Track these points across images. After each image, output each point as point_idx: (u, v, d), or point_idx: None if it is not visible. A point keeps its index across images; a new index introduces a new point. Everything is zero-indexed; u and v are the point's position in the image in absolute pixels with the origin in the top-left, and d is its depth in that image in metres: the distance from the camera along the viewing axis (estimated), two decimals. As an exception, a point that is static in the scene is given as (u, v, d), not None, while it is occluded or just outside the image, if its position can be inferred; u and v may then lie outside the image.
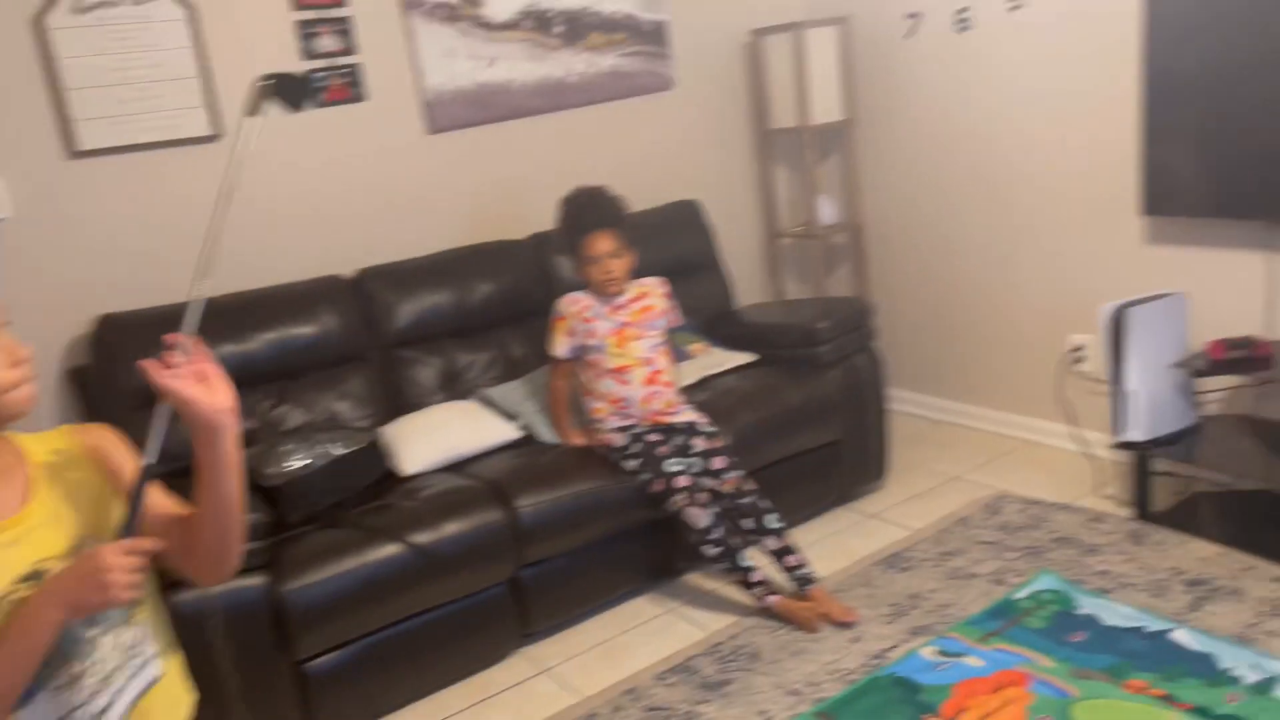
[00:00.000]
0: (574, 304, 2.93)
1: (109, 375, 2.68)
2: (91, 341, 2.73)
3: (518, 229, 3.46)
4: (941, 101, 3.67)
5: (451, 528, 2.53)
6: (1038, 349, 3.58)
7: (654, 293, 2.99)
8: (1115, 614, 2.50)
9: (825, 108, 3.82)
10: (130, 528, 1.14)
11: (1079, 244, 3.37)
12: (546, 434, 3.01)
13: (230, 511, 1.25)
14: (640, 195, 3.55)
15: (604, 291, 2.90)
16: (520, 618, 2.71)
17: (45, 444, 1.24)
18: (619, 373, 2.87)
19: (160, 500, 1.30)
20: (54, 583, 1.10)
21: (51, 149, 2.72)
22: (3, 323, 1.13)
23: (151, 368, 1.16)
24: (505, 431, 2.98)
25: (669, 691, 2.47)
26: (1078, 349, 3.44)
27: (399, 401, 3.08)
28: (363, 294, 3.11)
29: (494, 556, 2.60)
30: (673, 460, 2.77)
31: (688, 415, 2.93)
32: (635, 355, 2.88)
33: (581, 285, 2.98)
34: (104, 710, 1.20)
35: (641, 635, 2.76)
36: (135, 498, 1.15)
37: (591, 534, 2.76)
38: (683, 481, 2.73)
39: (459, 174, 3.43)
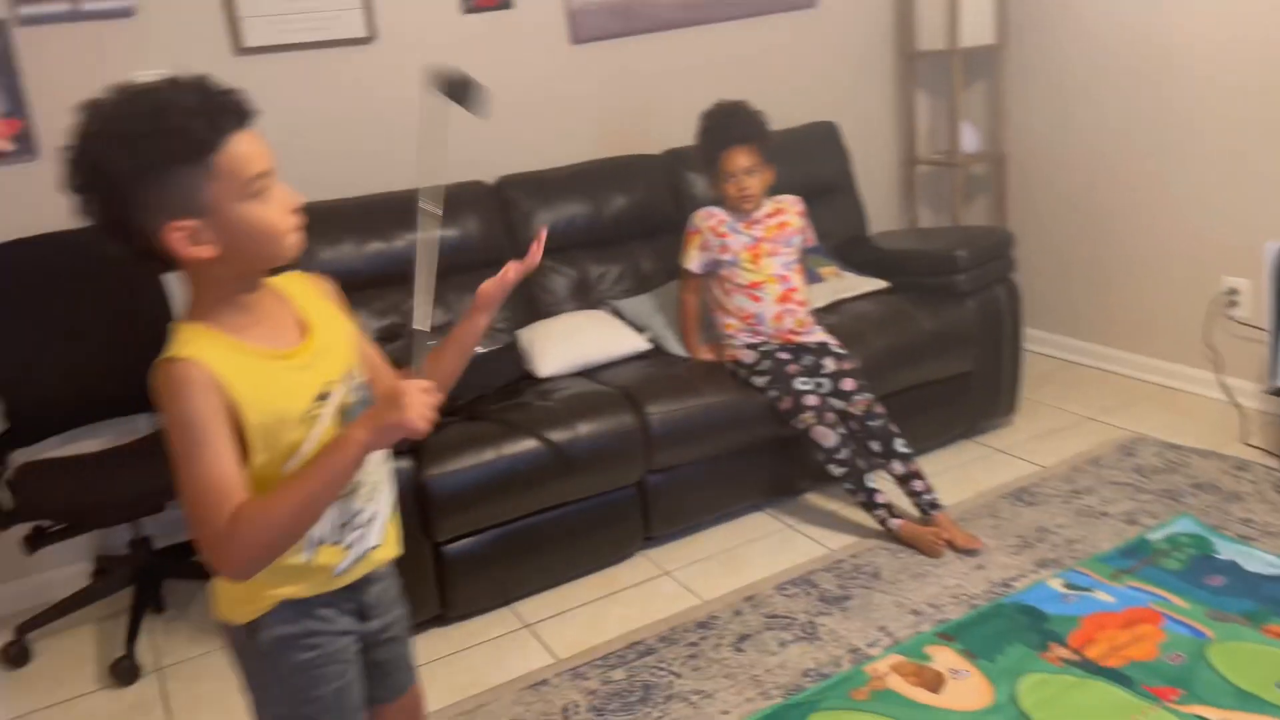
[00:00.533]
0: (708, 218, 2.92)
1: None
2: (252, 232, 2.86)
3: (652, 143, 3.46)
4: (1100, 23, 3.48)
5: (585, 428, 2.60)
6: (1186, 292, 3.42)
7: (790, 210, 2.96)
8: (1258, 561, 2.42)
9: (976, 29, 3.68)
10: (422, 372, 1.23)
11: (1243, 180, 3.18)
12: (675, 347, 3.04)
13: (450, 382, 1.40)
14: (777, 114, 3.47)
15: (739, 208, 2.89)
16: (644, 521, 2.78)
17: (297, 285, 1.34)
18: (752, 289, 2.87)
19: (380, 360, 1.45)
20: (368, 411, 1.20)
21: (221, 45, 2.84)
22: (274, 173, 1.21)
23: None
24: (635, 342, 3.03)
25: (789, 601, 2.51)
26: (1231, 292, 3.28)
27: (534, 307, 3.15)
28: (502, 200, 3.17)
29: (623, 459, 2.66)
30: (802, 379, 2.78)
31: (819, 335, 2.92)
32: (769, 272, 2.87)
33: (715, 200, 2.97)
34: (371, 518, 1.34)
35: (761, 548, 2.80)
36: (418, 349, 1.24)
37: (717, 446, 2.80)
38: (812, 400, 2.74)
39: (599, 86, 3.45)
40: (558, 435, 2.57)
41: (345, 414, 1.28)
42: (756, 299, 2.87)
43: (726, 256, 2.88)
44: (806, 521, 2.91)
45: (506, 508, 2.54)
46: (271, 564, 1.20)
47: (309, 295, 1.34)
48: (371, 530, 1.34)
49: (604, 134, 3.45)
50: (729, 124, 2.86)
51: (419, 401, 1.15)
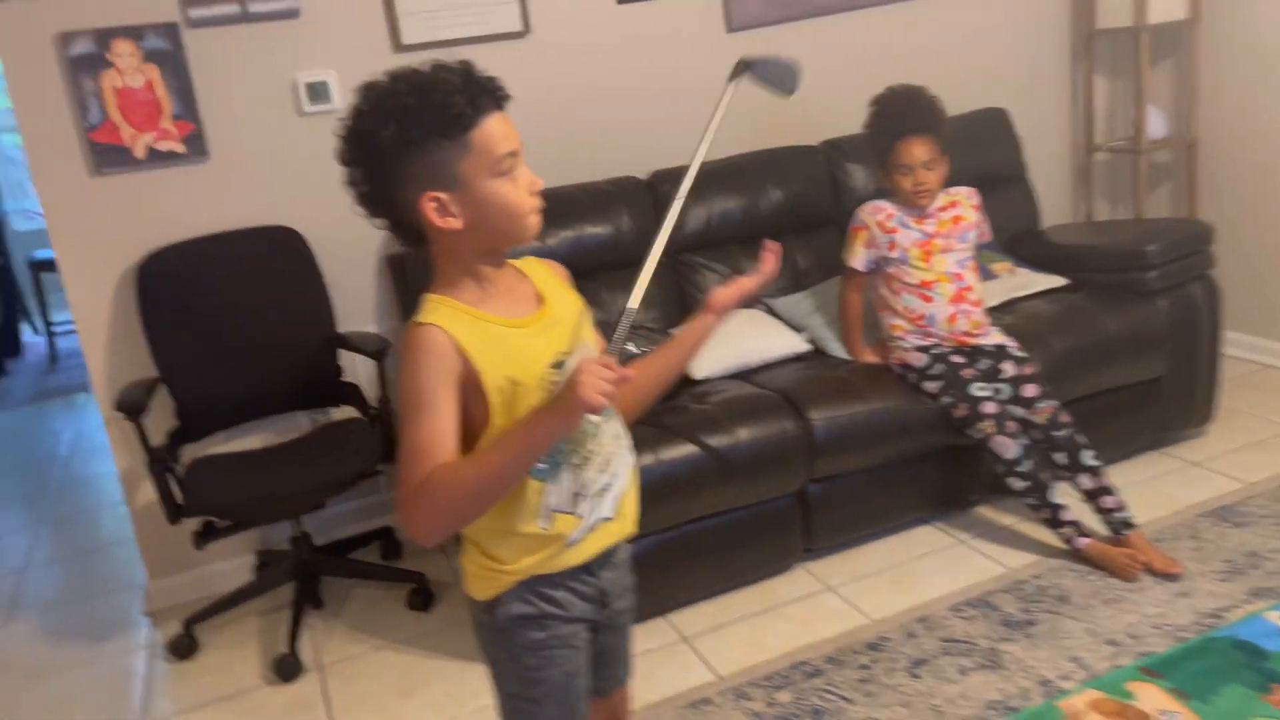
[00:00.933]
0: (875, 213, 2.75)
1: (423, 262, 2.79)
2: (408, 230, 2.85)
3: (809, 134, 3.31)
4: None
5: (744, 434, 2.48)
6: None
7: (965, 203, 2.76)
8: None
9: (1165, 4, 3.37)
10: (613, 347, 1.23)
11: None
12: (835, 348, 2.89)
13: (669, 378, 1.45)
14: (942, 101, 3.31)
15: (913, 203, 2.70)
16: (805, 532, 2.64)
17: (533, 266, 1.39)
18: (923, 288, 2.69)
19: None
20: (554, 394, 1.22)
21: (382, 43, 2.84)
22: (521, 155, 1.25)
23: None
24: (793, 343, 2.89)
25: (967, 624, 2.33)
26: None
27: (686, 306, 3.05)
28: (656, 196, 3.07)
29: (784, 467, 2.53)
30: (979, 384, 2.58)
31: (996, 337, 2.71)
32: (941, 270, 2.68)
33: (882, 193, 2.80)
34: (605, 488, 1.35)
35: (931, 564, 2.62)
36: (619, 327, 1.24)
37: (884, 455, 2.64)
38: (990, 408, 2.54)
39: (754, 75, 3.31)
40: (716, 441, 2.46)
41: None
42: (927, 299, 2.68)
43: (895, 253, 2.71)
44: (980, 536, 2.71)
45: (663, 515, 2.44)
46: (506, 531, 1.28)
47: (543, 275, 1.39)
48: (604, 501, 1.35)
49: (759, 125, 3.31)
50: (906, 112, 2.66)
51: (594, 376, 1.14)
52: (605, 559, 1.41)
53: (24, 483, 4.13)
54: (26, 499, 3.94)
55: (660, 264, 3.13)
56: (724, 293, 1.41)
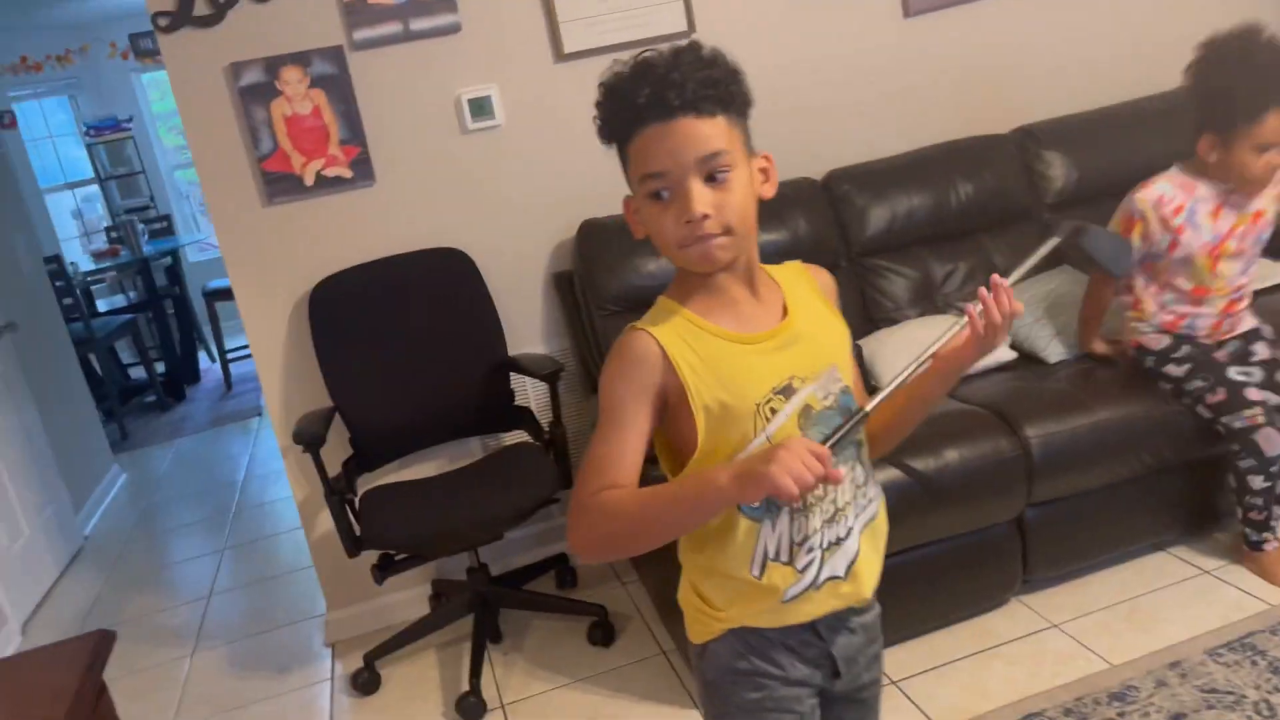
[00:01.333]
0: (1162, 204, 2.27)
1: (589, 280, 2.68)
2: (575, 246, 2.74)
3: (999, 122, 3.03)
4: None
5: (953, 455, 2.23)
6: None
7: (1268, 193, 2.30)
8: None
9: None
10: (832, 440, 1.06)
11: None
12: (1048, 349, 2.60)
13: (913, 424, 1.28)
14: (1148, 80, 2.98)
15: (1250, 189, 2.22)
16: (1023, 562, 2.37)
17: (790, 274, 1.24)
18: (1195, 294, 2.33)
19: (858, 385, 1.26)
20: (748, 454, 1.08)
21: (542, 55, 2.73)
22: (681, 178, 1.08)
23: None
24: (997, 350, 2.61)
25: (1229, 672, 2.01)
26: None
27: (870, 314, 2.83)
28: (833, 197, 2.86)
29: (1000, 491, 2.27)
30: (1235, 368, 2.26)
31: (1248, 322, 2.39)
32: (1225, 276, 2.31)
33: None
34: (835, 543, 1.18)
35: (1174, 598, 2.31)
36: (846, 427, 1.08)
37: (1113, 473, 2.34)
38: (1256, 394, 2.21)
39: (935, 61, 3.05)
40: (921, 464, 2.22)
41: (810, 418, 1.15)
42: (1196, 304, 2.34)
43: (1175, 254, 2.30)
44: (1230, 565, 2.38)
45: (866, 546, 2.22)
46: (714, 570, 1.18)
47: (798, 286, 1.23)
48: (835, 558, 1.18)
49: (943, 115, 3.05)
50: (1274, 72, 2.10)
51: (796, 460, 0.98)
52: (838, 622, 1.23)
53: (207, 508, 4.25)
54: (209, 524, 4.05)
55: (842, 268, 2.89)
56: (950, 356, 1.20)
